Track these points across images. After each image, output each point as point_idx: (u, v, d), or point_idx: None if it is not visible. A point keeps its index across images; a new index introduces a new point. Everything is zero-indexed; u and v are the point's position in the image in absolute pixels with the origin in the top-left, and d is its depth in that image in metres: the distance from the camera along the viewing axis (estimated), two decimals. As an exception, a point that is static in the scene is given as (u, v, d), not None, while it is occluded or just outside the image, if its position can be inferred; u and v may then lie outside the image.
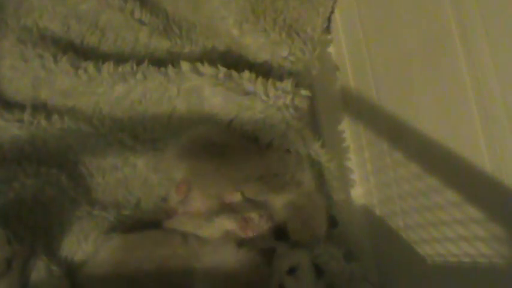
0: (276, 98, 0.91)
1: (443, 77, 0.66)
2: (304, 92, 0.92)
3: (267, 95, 0.91)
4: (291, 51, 0.98)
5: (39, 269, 0.91)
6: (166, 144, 0.97)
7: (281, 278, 0.85)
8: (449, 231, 0.69)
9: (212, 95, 0.96)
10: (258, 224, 0.88)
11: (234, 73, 0.94)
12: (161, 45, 0.99)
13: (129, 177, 0.98)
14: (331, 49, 1.07)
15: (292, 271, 0.86)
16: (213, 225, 0.90)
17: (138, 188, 0.98)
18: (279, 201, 0.92)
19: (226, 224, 0.89)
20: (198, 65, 0.95)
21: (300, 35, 1.00)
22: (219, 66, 0.94)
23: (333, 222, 0.94)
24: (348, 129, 1.03)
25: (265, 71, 0.99)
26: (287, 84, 0.91)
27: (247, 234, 0.87)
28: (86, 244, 0.92)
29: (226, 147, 0.94)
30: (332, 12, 1.03)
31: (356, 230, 0.98)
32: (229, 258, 0.87)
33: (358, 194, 1.00)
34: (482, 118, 0.59)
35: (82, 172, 0.97)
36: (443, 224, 0.70)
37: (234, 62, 1.01)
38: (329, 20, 1.03)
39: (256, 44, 1.00)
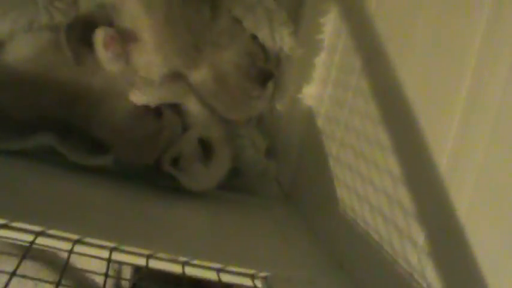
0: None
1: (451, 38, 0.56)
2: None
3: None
4: None
5: None
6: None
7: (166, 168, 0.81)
8: (372, 192, 0.66)
9: None
10: None
11: None
12: None
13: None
14: None
15: (175, 161, 0.81)
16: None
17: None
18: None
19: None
20: None
21: None
22: None
23: (265, 74, 0.85)
24: (329, 25, 0.91)
25: None
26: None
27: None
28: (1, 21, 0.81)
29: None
30: None
31: (289, 129, 0.93)
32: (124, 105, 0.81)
33: (309, 93, 0.92)
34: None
35: None
36: (370, 182, 0.66)
37: None
38: None
39: None
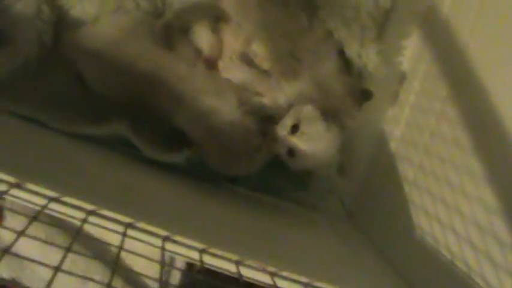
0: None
1: None
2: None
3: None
4: None
5: (28, 3, 0.82)
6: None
7: (287, 141, 0.78)
8: (459, 220, 0.63)
9: None
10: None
11: None
12: None
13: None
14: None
15: (295, 128, 0.78)
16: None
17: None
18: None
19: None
20: None
21: None
22: None
23: (366, 94, 0.85)
24: (411, 48, 0.90)
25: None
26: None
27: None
28: (89, 3, 0.83)
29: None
30: None
31: (359, 148, 0.91)
32: (224, 108, 0.79)
33: (384, 114, 0.91)
34: None
35: None
36: (457, 210, 0.64)
37: None
38: None
39: None
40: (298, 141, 0.76)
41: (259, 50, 0.77)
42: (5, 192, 0.49)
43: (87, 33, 0.82)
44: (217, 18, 0.81)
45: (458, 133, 0.69)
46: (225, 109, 0.79)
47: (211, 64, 0.82)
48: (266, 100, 0.81)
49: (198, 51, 0.82)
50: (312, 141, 0.76)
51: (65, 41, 0.83)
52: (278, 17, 0.80)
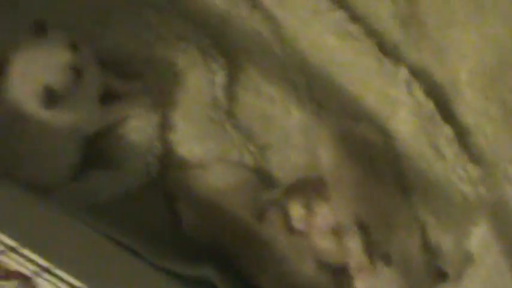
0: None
1: None
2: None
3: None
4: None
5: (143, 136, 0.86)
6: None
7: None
8: None
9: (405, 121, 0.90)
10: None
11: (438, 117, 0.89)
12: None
13: (276, 117, 0.92)
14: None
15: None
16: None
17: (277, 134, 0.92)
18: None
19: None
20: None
21: None
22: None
23: (442, 275, 0.88)
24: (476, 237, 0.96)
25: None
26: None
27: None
28: (197, 145, 0.88)
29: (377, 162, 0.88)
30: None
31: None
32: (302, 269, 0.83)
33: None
34: None
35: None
36: None
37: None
38: None
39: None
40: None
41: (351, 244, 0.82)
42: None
43: (195, 176, 0.86)
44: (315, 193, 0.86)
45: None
46: (306, 273, 0.82)
47: (299, 233, 0.86)
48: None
49: (287, 219, 0.86)
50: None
51: (170, 178, 0.87)
52: (375, 194, 0.86)
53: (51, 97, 0.74)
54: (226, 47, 0.92)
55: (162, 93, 0.88)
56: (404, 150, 0.90)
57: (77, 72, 0.76)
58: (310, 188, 0.84)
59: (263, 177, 0.90)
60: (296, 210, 0.85)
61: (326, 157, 0.87)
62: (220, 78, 0.89)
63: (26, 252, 0.67)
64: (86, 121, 0.82)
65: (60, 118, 0.78)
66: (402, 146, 0.90)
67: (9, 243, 0.67)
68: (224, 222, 0.84)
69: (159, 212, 0.87)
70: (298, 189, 0.86)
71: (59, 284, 0.66)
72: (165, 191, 0.87)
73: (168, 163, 0.88)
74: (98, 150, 0.87)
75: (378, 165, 0.88)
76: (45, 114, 0.77)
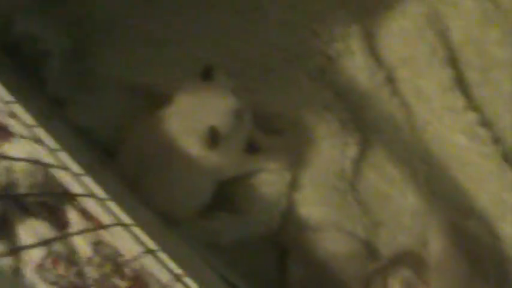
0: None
1: None
2: None
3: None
4: None
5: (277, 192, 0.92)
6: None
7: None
8: None
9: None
10: None
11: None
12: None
13: (393, 197, 0.97)
14: None
15: None
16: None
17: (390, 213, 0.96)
18: None
19: None
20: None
21: None
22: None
23: None
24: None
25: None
26: None
27: None
28: (316, 211, 0.93)
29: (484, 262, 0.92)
30: None
31: None
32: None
33: None
34: None
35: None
36: None
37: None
38: None
39: None
40: None
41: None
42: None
43: (310, 238, 0.91)
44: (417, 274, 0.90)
45: None
46: None
47: None
48: None
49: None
50: None
51: (287, 234, 0.92)
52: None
53: (215, 138, 0.79)
54: (362, 124, 0.98)
55: (298, 154, 0.94)
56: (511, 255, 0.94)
57: (240, 117, 0.82)
58: (413, 263, 0.89)
59: (370, 251, 0.95)
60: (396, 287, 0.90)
61: (436, 244, 0.92)
62: (352, 151, 0.95)
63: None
64: (229, 165, 0.88)
65: (211, 159, 0.83)
66: (510, 250, 0.94)
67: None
68: (329, 286, 0.88)
69: (271, 263, 0.93)
70: (403, 262, 0.91)
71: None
72: (280, 244, 0.92)
73: (289, 220, 0.93)
74: (225, 194, 0.93)
75: (484, 265, 0.92)
76: (201, 153, 0.82)
